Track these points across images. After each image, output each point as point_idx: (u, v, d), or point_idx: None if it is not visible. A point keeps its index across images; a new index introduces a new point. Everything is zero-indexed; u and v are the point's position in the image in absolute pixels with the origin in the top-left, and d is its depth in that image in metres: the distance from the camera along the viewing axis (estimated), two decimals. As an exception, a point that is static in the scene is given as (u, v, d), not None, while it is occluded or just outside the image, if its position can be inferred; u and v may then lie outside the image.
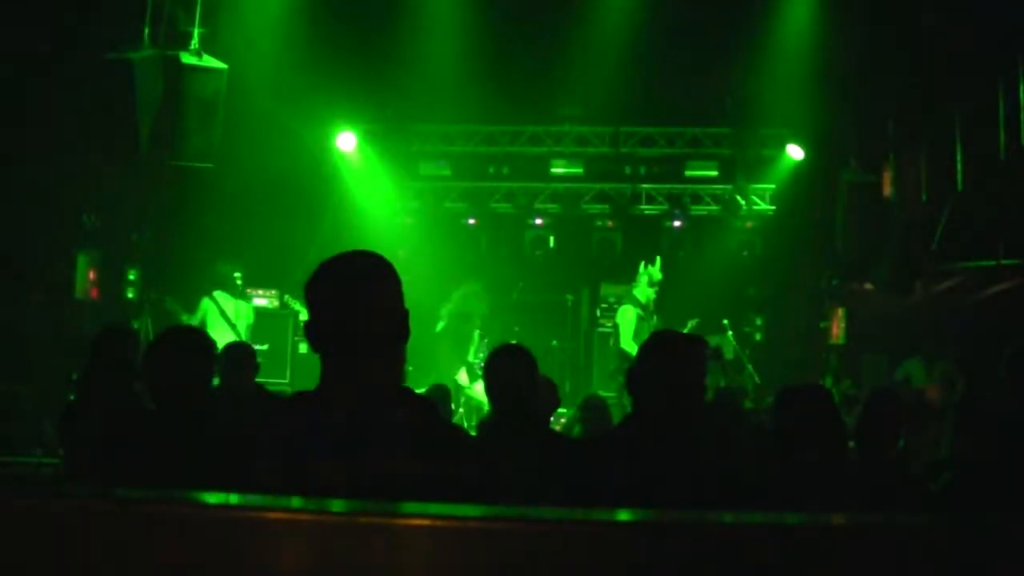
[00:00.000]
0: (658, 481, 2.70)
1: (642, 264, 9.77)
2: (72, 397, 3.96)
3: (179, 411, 3.04)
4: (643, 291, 9.58)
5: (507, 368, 3.80)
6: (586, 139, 12.74)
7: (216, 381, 5.09)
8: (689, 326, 9.68)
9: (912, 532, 1.35)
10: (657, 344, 2.96)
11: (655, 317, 9.59)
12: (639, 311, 9.47)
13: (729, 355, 9.96)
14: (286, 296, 10.80)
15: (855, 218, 10.16)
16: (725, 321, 10.40)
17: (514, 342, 9.40)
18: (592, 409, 5.79)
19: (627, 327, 9.41)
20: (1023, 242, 9.94)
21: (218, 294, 9.60)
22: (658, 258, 9.93)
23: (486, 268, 11.79)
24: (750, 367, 9.96)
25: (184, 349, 3.14)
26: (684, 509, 2.54)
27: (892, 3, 9.84)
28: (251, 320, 9.77)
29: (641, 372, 2.89)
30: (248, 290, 10.53)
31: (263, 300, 11.27)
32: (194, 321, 9.26)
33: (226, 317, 9.48)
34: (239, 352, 5.27)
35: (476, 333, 10.63)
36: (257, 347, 7.24)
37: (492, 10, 10.52)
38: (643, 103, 11.97)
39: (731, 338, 10.27)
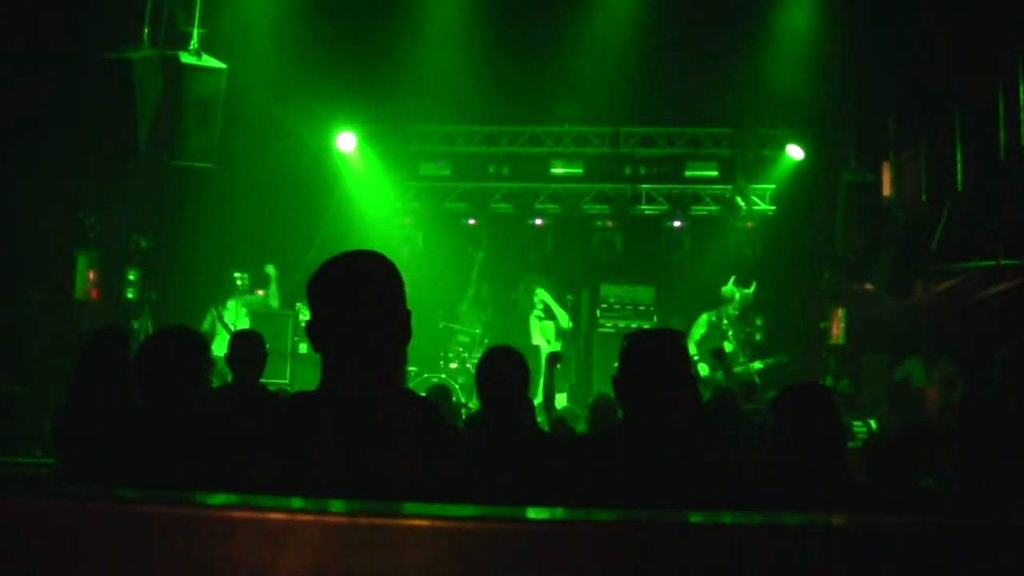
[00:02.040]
0: (647, 482, 2.69)
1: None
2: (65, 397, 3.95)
3: (173, 410, 3.04)
4: (726, 308, 10.39)
5: (499, 369, 3.83)
6: (586, 139, 12.74)
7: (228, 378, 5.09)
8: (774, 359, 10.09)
9: (912, 532, 1.35)
10: (632, 346, 2.93)
11: (730, 329, 10.19)
12: (711, 318, 10.24)
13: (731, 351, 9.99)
14: (297, 304, 10.91)
15: (855, 218, 10.15)
16: (725, 321, 10.41)
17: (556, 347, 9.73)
18: (601, 410, 5.83)
19: (695, 332, 10.23)
20: (1023, 242, 9.93)
21: (227, 302, 9.98)
22: (732, 277, 10.57)
23: (486, 268, 11.79)
24: (751, 366, 9.95)
25: (176, 349, 3.13)
26: (677, 509, 2.53)
27: (892, 3, 9.84)
28: (245, 323, 9.93)
29: (622, 376, 2.88)
30: (258, 291, 10.71)
31: (263, 300, 11.32)
32: (204, 328, 9.59)
33: (226, 326, 9.71)
34: (247, 343, 4.91)
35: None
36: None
37: (492, 10, 10.52)
38: (643, 103, 11.97)
39: (732, 338, 10.27)
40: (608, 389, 3.15)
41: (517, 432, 3.76)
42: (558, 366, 7.78)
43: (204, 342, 3.31)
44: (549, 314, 11.01)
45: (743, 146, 12.18)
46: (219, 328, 9.78)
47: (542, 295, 10.98)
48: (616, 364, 2.93)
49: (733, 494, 2.75)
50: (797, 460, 3.05)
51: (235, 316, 10.04)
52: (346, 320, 2.00)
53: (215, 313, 10.02)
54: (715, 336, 9.88)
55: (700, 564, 1.27)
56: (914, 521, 1.45)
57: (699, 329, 10.13)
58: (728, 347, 9.76)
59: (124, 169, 9.02)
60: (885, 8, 9.83)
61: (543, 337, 10.98)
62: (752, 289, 10.51)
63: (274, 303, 10.66)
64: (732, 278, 10.46)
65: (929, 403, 9.88)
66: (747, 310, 11.27)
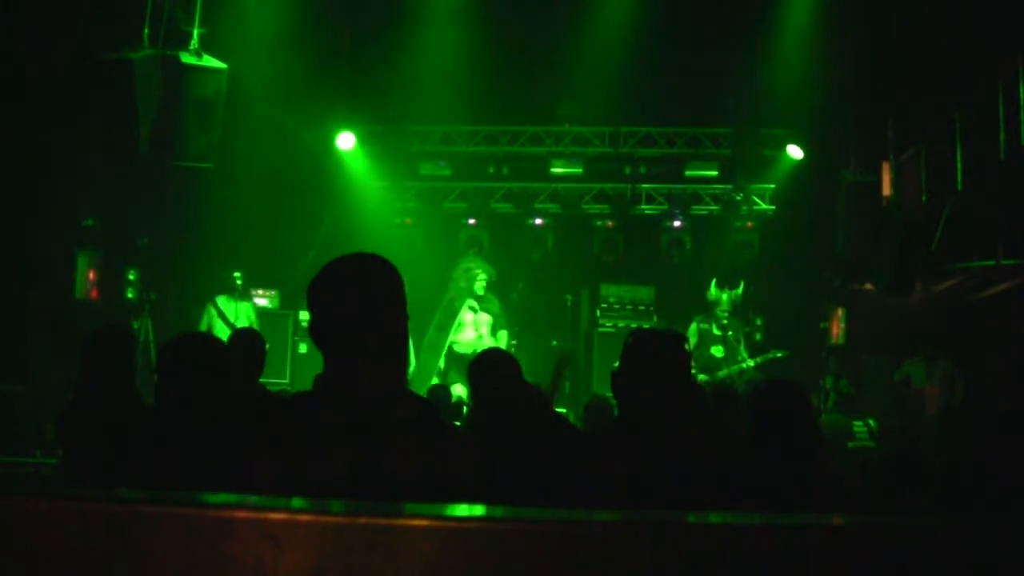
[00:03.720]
0: (644, 480, 2.70)
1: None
2: (70, 397, 3.95)
3: (178, 410, 3.04)
4: (715, 311, 10.17)
5: (492, 370, 3.83)
6: (586, 139, 12.75)
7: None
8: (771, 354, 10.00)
9: (912, 532, 1.35)
10: (634, 343, 2.95)
11: (728, 332, 10.03)
12: (701, 324, 10.07)
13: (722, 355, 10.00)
14: (300, 314, 10.90)
15: (855, 218, 10.15)
16: (725, 321, 10.41)
17: (502, 346, 9.50)
18: (595, 410, 5.84)
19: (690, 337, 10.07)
20: (1023, 242, 9.92)
21: (220, 299, 9.96)
22: (712, 280, 10.32)
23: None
24: (751, 364, 9.97)
25: (203, 357, 3.12)
26: (673, 508, 2.54)
27: (892, 3, 9.84)
28: (252, 320, 9.92)
29: (620, 374, 2.89)
30: (251, 290, 10.70)
31: (263, 300, 11.33)
32: (202, 327, 9.58)
33: (227, 320, 9.71)
34: (247, 343, 4.88)
35: (461, 314, 10.17)
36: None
37: (491, 10, 10.52)
38: (643, 103, 11.98)
39: (731, 337, 10.27)
40: (608, 389, 3.15)
41: (516, 431, 3.76)
42: (566, 371, 7.69)
43: (226, 349, 3.30)
44: (489, 311, 10.09)
45: (743, 146, 12.18)
46: (217, 325, 9.76)
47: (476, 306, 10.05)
48: (617, 363, 2.94)
49: (727, 491, 2.76)
50: (769, 456, 3.08)
51: (234, 315, 10.04)
52: (347, 321, 2.01)
53: (212, 311, 10.02)
54: (707, 342, 9.84)
55: (700, 564, 1.27)
56: (914, 521, 1.45)
57: (691, 339, 9.98)
58: (719, 351, 9.75)
59: (124, 169, 9.02)
60: (885, 8, 9.83)
61: (474, 330, 10.04)
62: (740, 289, 10.43)
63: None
64: (713, 280, 10.32)
65: (929, 403, 9.88)
66: (746, 309, 11.27)
